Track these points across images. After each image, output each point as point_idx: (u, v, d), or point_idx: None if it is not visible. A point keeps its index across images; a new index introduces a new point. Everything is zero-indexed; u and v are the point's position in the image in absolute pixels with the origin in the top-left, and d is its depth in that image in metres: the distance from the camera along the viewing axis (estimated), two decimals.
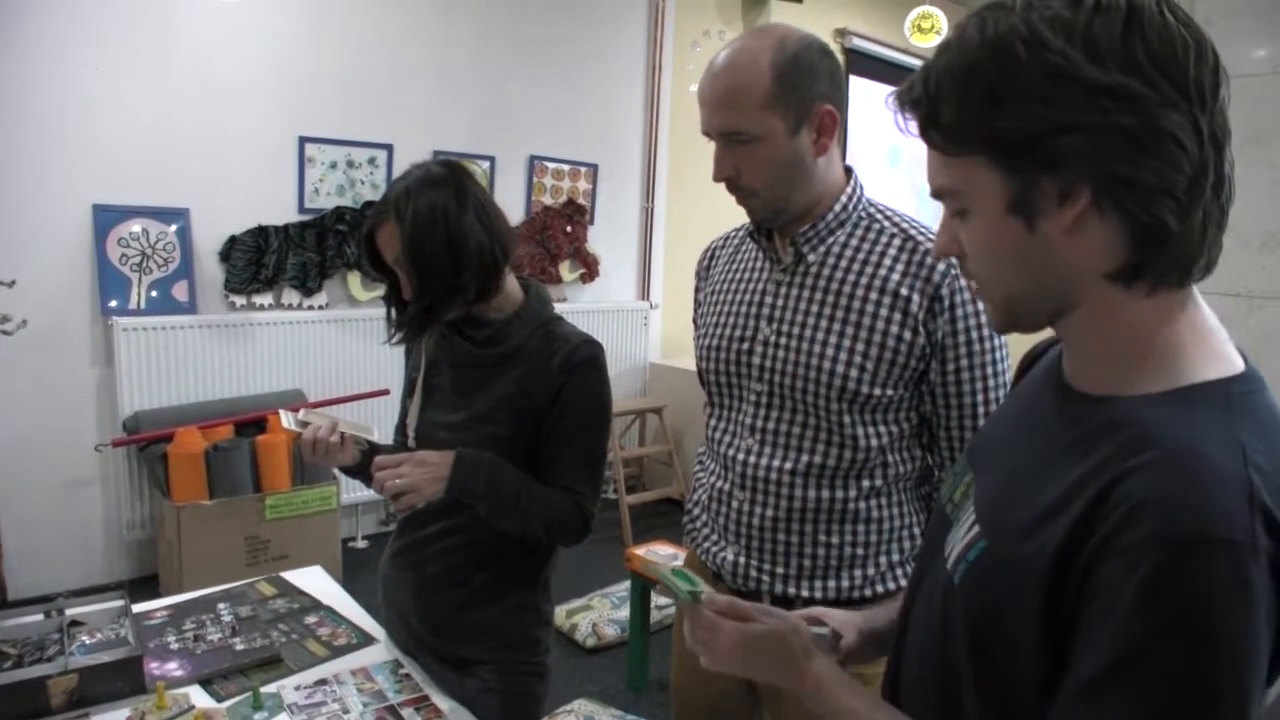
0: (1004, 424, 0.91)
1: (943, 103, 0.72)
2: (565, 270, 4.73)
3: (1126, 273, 0.70)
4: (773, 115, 1.25)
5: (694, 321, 1.56)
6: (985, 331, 1.27)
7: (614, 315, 4.95)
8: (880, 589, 1.35)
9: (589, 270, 4.81)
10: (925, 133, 0.75)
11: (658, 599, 3.17)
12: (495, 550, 1.53)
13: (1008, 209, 0.72)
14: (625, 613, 3.28)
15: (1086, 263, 0.71)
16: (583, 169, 4.75)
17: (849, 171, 1.37)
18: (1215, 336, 0.73)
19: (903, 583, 1.35)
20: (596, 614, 3.42)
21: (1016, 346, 1.08)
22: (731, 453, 1.41)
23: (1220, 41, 0.69)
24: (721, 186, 1.33)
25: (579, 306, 4.77)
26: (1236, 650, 0.61)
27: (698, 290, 1.56)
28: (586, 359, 1.48)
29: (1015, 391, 0.95)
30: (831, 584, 1.34)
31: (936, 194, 0.78)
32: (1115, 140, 0.66)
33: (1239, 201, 0.71)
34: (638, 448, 4.96)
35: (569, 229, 4.69)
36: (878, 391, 1.27)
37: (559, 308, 1.61)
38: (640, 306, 5.10)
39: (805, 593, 1.34)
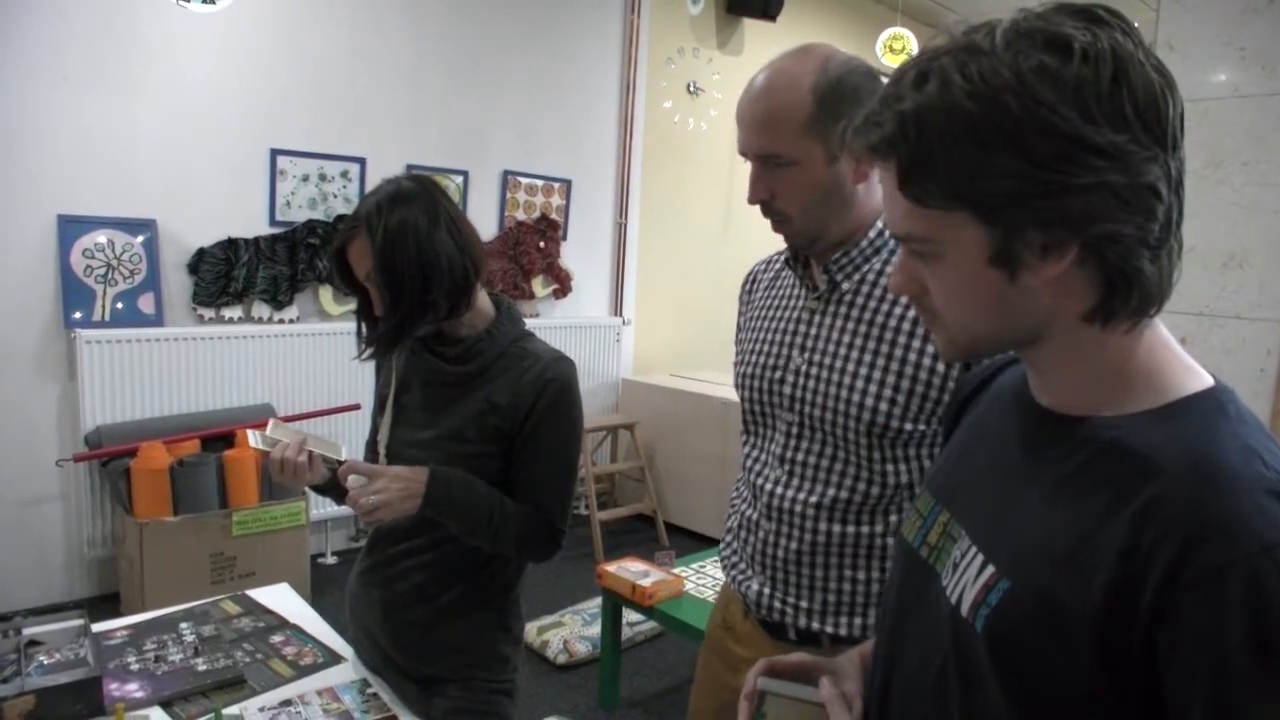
0: (973, 457, 0.88)
1: (927, 154, 0.69)
2: (538, 286, 4.73)
3: (1102, 314, 0.71)
4: (811, 141, 1.20)
5: (735, 345, 1.51)
6: None
7: (587, 331, 4.94)
8: None
9: (562, 286, 4.81)
10: (904, 185, 0.71)
11: (629, 615, 3.16)
12: (464, 568, 1.52)
13: (990, 261, 0.71)
14: (597, 629, 3.27)
15: (1064, 307, 0.72)
16: (556, 184, 4.75)
17: None
18: (1180, 349, 0.76)
19: None
20: (568, 631, 3.40)
21: None
22: (760, 481, 1.38)
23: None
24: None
25: (552, 322, 4.76)
26: None
27: (740, 315, 1.52)
28: (557, 376, 1.48)
29: (968, 423, 0.93)
30: (858, 620, 1.30)
31: (903, 239, 0.76)
32: (1104, 198, 0.66)
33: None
34: (609, 464, 4.95)
35: (542, 244, 4.69)
36: (909, 426, 1.23)
37: (532, 323, 1.61)
38: (613, 322, 5.10)
39: (830, 629, 1.30)
